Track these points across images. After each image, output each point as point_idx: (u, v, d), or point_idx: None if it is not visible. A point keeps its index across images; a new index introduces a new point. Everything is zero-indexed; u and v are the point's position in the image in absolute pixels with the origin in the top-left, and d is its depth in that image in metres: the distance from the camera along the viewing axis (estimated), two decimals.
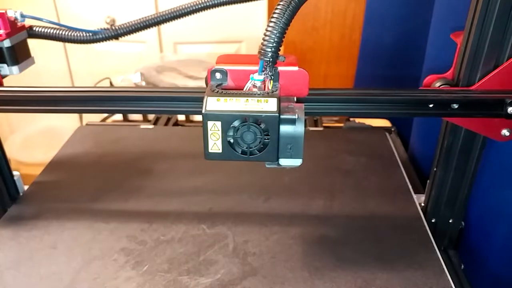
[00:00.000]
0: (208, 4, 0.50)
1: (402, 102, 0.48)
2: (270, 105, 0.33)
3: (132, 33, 0.54)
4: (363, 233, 0.57)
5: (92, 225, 0.59)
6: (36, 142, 1.37)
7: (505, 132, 0.50)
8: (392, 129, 0.89)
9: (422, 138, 0.84)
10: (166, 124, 0.89)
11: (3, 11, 0.52)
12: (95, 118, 0.95)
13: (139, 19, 0.52)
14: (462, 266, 0.61)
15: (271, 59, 0.35)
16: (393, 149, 0.76)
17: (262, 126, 0.34)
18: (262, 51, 0.35)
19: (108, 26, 0.53)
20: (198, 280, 0.50)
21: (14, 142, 1.39)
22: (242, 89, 0.37)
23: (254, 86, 0.36)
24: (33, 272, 0.52)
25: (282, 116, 0.34)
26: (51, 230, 0.58)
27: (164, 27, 1.13)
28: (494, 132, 0.50)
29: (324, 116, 0.89)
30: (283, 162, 0.36)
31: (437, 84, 0.52)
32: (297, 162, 0.36)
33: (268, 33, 0.34)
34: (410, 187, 0.66)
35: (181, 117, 0.93)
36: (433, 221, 0.62)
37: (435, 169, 0.59)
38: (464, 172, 0.57)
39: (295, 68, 0.38)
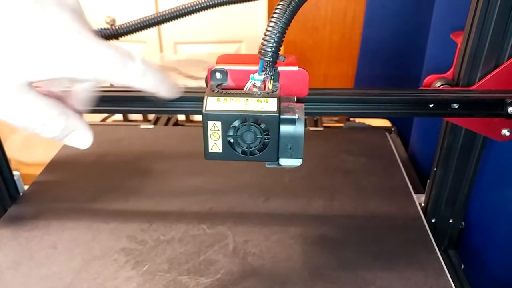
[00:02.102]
0: (208, 4, 0.50)
1: (402, 102, 0.48)
2: (270, 105, 0.33)
3: (132, 33, 0.54)
4: (363, 233, 0.57)
5: (92, 225, 0.59)
6: (36, 142, 1.37)
7: (505, 132, 0.50)
8: (392, 129, 0.89)
9: (422, 138, 0.84)
10: (166, 124, 0.89)
11: None
12: (95, 118, 0.95)
13: (139, 19, 0.52)
14: (462, 266, 0.61)
15: (271, 59, 0.35)
16: (393, 149, 0.76)
17: (262, 126, 0.34)
18: (262, 51, 0.35)
19: (108, 26, 0.53)
20: (198, 280, 0.50)
21: (14, 142, 1.39)
22: (242, 89, 0.37)
23: (254, 86, 0.36)
24: (33, 272, 0.52)
25: (282, 116, 0.33)
26: (51, 230, 0.58)
27: (164, 27, 1.13)
28: (494, 132, 0.50)
29: (324, 116, 0.90)
30: (283, 162, 0.36)
31: (437, 84, 0.52)
32: (297, 162, 0.36)
33: (268, 33, 0.34)
34: (410, 187, 0.66)
35: (181, 117, 0.93)
36: (433, 221, 0.62)
37: (435, 169, 0.59)
38: (464, 172, 0.57)
39: (295, 68, 0.38)
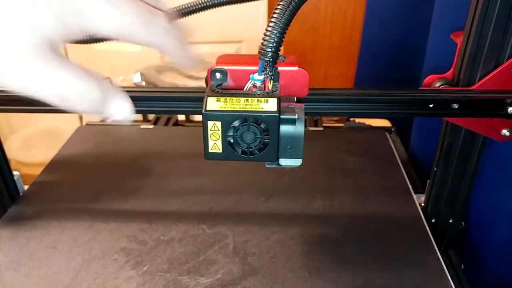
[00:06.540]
0: (208, 4, 0.50)
1: (402, 102, 0.48)
2: (270, 105, 0.33)
3: None
4: (363, 233, 0.57)
5: (92, 225, 0.59)
6: (36, 142, 1.37)
7: (505, 132, 0.50)
8: (392, 129, 0.89)
9: (422, 138, 0.84)
10: (166, 124, 0.89)
11: None
12: (95, 118, 0.95)
13: None
14: (462, 266, 0.61)
15: (271, 59, 0.35)
16: (393, 149, 0.76)
17: (262, 126, 0.33)
18: (262, 51, 0.34)
19: None
20: (198, 280, 0.50)
21: (14, 142, 1.39)
22: (242, 89, 0.36)
23: (254, 86, 0.36)
24: (33, 272, 0.52)
25: (282, 116, 0.33)
26: (51, 230, 0.58)
27: None
28: (494, 132, 0.50)
29: (324, 116, 0.89)
30: (283, 162, 0.36)
31: (437, 84, 0.52)
32: (297, 162, 0.36)
33: (268, 33, 0.34)
34: (410, 187, 0.66)
35: (181, 117, 0.93)
36: (433, 221, 0.62)
37: (435, 169, 0.59)
38: (464, 172, 0.57)
39: (295, 68, 0.38)
